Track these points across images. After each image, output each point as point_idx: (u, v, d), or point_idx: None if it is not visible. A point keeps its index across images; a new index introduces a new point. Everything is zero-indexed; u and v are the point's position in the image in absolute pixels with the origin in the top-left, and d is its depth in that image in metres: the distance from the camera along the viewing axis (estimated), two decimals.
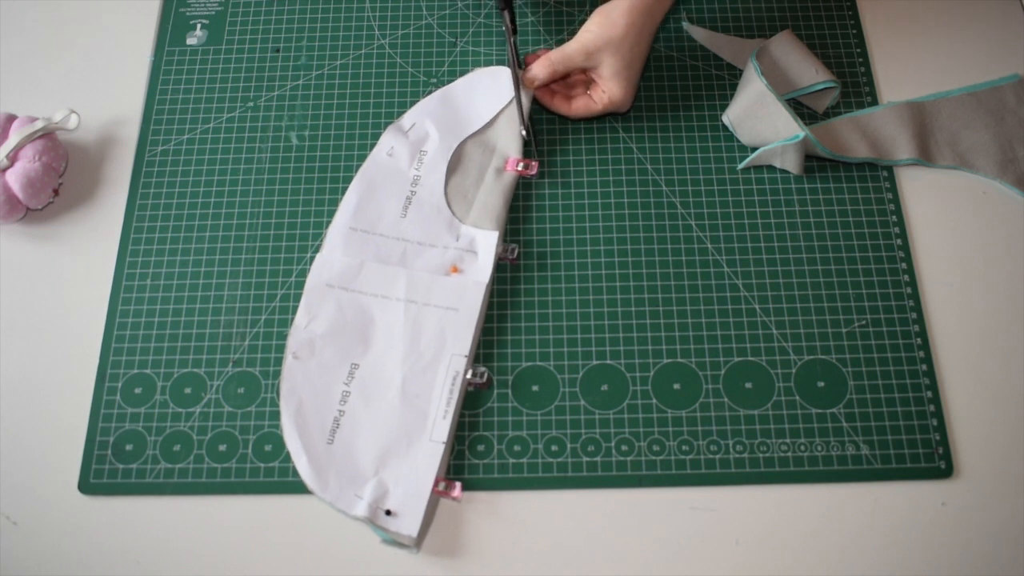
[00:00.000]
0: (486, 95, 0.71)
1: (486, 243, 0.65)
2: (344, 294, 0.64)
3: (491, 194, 0.67)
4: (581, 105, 0.68)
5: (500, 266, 0.66)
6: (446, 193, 0.68)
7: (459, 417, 0.61)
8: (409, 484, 0.58)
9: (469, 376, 0.62)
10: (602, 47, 0.65)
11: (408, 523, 0.57)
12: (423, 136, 0.70)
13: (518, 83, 0.69)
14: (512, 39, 0.68)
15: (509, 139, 0.69)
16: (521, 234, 0.67)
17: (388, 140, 0.70)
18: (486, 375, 0.62)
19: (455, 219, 0.67)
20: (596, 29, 0.65)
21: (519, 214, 0.68)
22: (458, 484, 0.59)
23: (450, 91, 0.72)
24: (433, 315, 0.63)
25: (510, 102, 0.70)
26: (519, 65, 0.69)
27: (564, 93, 0.70)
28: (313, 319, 0.63)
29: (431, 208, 0.67)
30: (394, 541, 0.57)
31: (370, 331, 0.63)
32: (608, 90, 0.67)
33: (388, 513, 0.57)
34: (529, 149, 0.70)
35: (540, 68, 0.67)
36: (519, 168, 0.68)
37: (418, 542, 0.57)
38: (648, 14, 0.65)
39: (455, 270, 0.65)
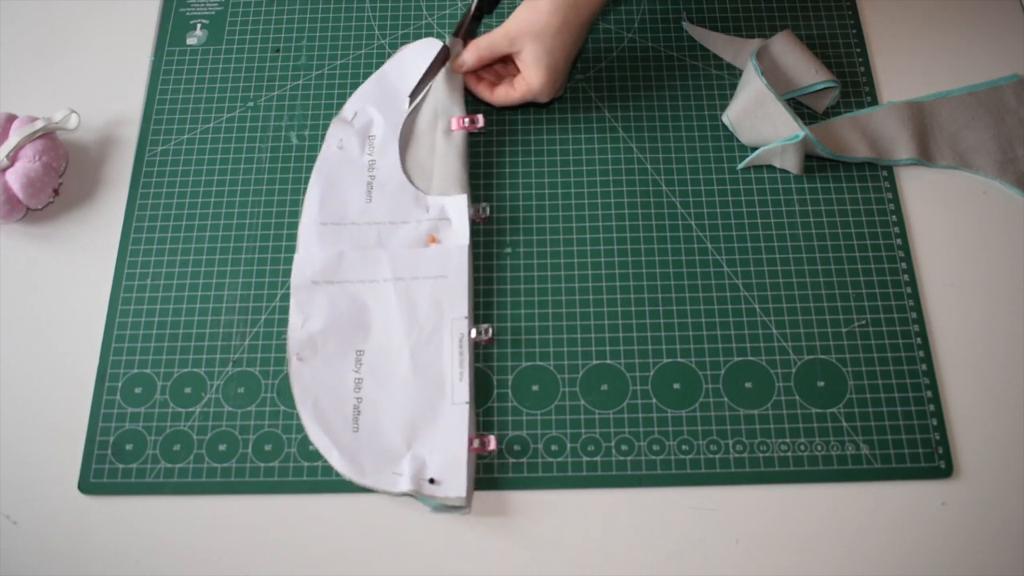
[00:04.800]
0: (418, 68, 0.71)
1: (457, 208, 0.66)
2: (332, 287, 0.64)
3: (447, 158, 0.68)
4: (501, 92, 0.69)
5: (500, 266, 0.66)
6: (404, 170, 0.68)
7: (474, 379, 0.62)
8: (445, 450, 0.59)
9: (474, 335, 0.62)
10: (525, 32, 0.66)
11: (454, 486, 0.58)
12: (368, 122, 0.71)
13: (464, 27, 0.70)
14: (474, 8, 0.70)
15: (450, 101, 0.70)
16: (521, 234, 0.67)
17: (335, 133, 0.70)
18: (490, 331, 0.63)
19: (419, 192, 0.67)
20: (521, 15, 0.66)
21: (519, 214, 0.68)
22: (491, 437, 0.60)
23: (384, 72, 0.73)
24: (424, 287, 0.64)
25: (441, 66, 0.70)
26: (469, 33, 0.71)
27: (492, 81, 0.71)
28: (307, 319, 0.63)
29: (393, 187, 0.68)
30: (444, 507, 0.58)
31: (366, 316, 0.64)
32: (528, 77, 0.67)
33: (432, 482, 0.58)
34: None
35: (468, 54, 0.69)
36: (465, 125, 0.69)
37: (468, 501, 0.58)
38: (574, 7, 0.65)
39: (433, 240, 0.66)
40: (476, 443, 0.60)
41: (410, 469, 0.59)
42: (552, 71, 0.66)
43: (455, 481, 0.58)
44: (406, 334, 0.63)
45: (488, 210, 0.67)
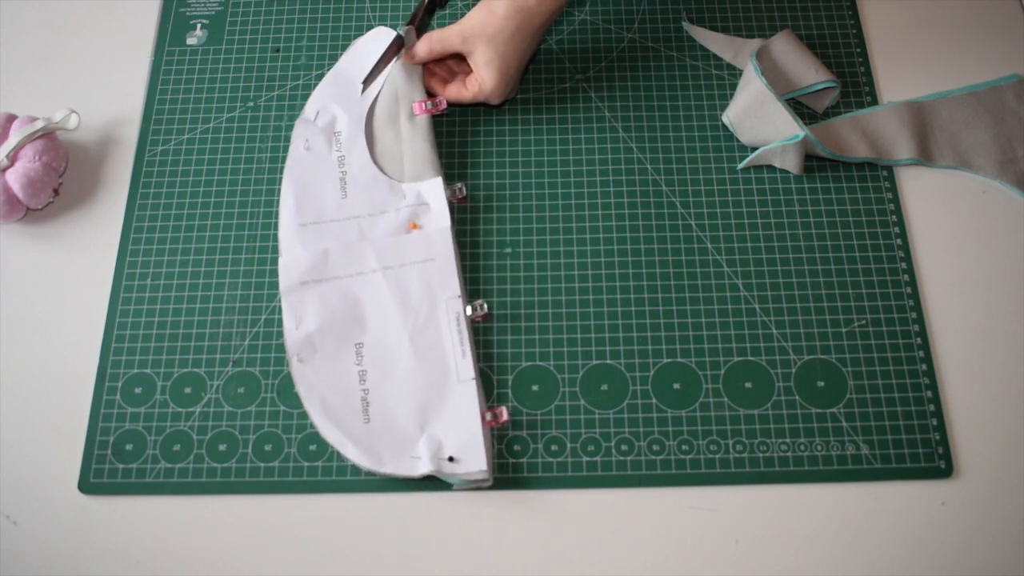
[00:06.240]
0: (372, 58, 0.71)
1: (433, 191, 0.67)
2: (321, 285, 0.65)
3: (415, 143, 0.69)
4: (453, 90, 0.70)
5: (500, 266, 0.66)
6: (375, 161, 0.69)
7: (477, 363, 0.63)
8: (459, 427, 0.60)
9: (469, 313, 0.63)
10: (479, 34, 0.66)
11: (474, 461, 0.59)
12: (331, 119, 0.71)
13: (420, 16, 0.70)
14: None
15: (409, 86, 0.70)
16: (521, 234, 0.68)
17: (300, 134, 0.71)
18: (485, 307, 0.64)
19: (393, 181, 0.68)
20: (476, 16, 0.66)
21: (519, 213, 0.68)
22: (503, 408, 0.61)
23: (339, 68, 0.74)
24: (413, 272, 0.64)
25: (395, 55, 0.70)
26: (422, 25, 0.71)
27: (444, 76, 0.71)
28: (301, 320, 0.64)
29: (366, 180, 0.68)
30: (466, 483, 0.59)
31: (360, 309, 0.64)
32: (480, 78, 0.68)
33: (451, 460, 0.59)
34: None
35: (421, 46, 0.69)
36: (428, 108, 0.69)
37: (490, 474, 0.59)
38: (528, 14, 0.66)
39: (414, 226, 0.66)
40: (488, 416, 0.60)
41: (427, 451, 0.59)
42: (504, 74, 0.67)
43: (474, 456, 0.59)
44: (402, 321, 0.63)
45: (464, 190, 0.68)
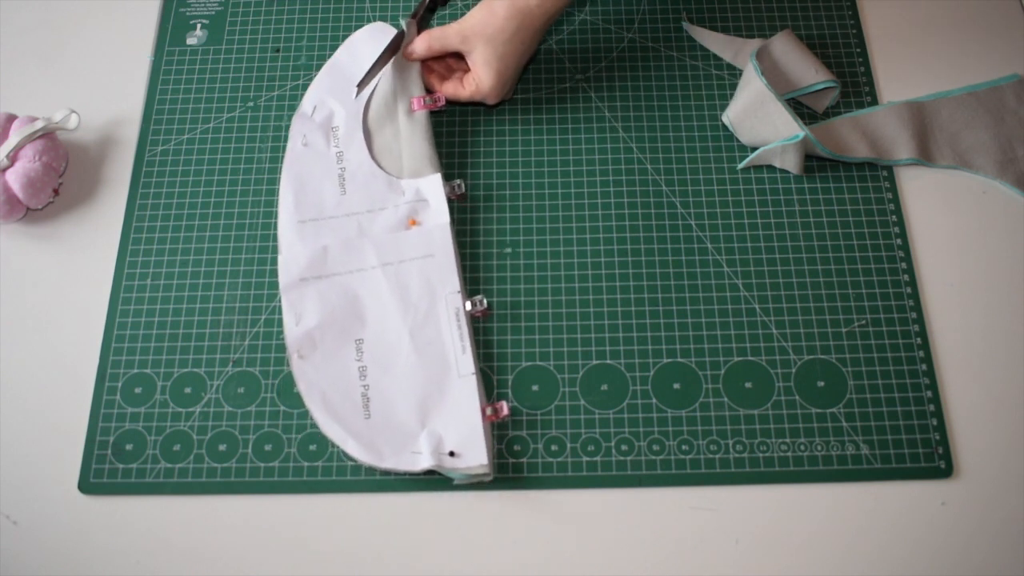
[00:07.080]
0: (370, 53, 0.71)
1: (432, 187, 0.67)
2: (320, 282, 0.65)
3: (413, 139, 0.68)
4: (450, 87, 0.70)
5: (500, 266, 0.66)
6: (373, 157, 0.69)
7: (477, 358, 0.63)
8: (459, 422, 0.60)
9: (468, 308, 0.63)
10: (478, 34, 0.66)
11: (475, 456, 0.59)
12: (329, 115, 0.71)
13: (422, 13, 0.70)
14: None
15: (407, 82, 0.70)
16: (521, 234, 0.68)
17: (298, 129, 0.71)
18: (484, 302, 0.64)
19: (392, 177, 0.68)
20: (476, 15, 0.66)
21: (519, 213, 0.68)
22: (503, 403, 0.61)
23: (335, 62, 0.73)
24: (412, 268, 0.64)
25: (395, 52, 0.70)
26: (423, 22, 0.70)
27: (442, 73, 0.71)
28: (301, 316, 0.64)
29: (365, 176, 0.68)
30: (467, 477, 0.59)
31: (359, 305, 0.64)
32: (477, 78, 0.68)
33: (452, 455, 0.59)
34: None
35: (419, 43, 0.69)
36: (426, 104, 0.69)
37: (490, 468, 0.59)
38: (528, 15, 0.66)
39: (413, 223, 0.66)
40: (489, 411, 0.60)
41: (428, 446, 0.59)
42: (502, 75, 0.67)
43: (475, 451, 0.59)
44: (402, 317, 0.63)
45: (463, 187, 0.68)
